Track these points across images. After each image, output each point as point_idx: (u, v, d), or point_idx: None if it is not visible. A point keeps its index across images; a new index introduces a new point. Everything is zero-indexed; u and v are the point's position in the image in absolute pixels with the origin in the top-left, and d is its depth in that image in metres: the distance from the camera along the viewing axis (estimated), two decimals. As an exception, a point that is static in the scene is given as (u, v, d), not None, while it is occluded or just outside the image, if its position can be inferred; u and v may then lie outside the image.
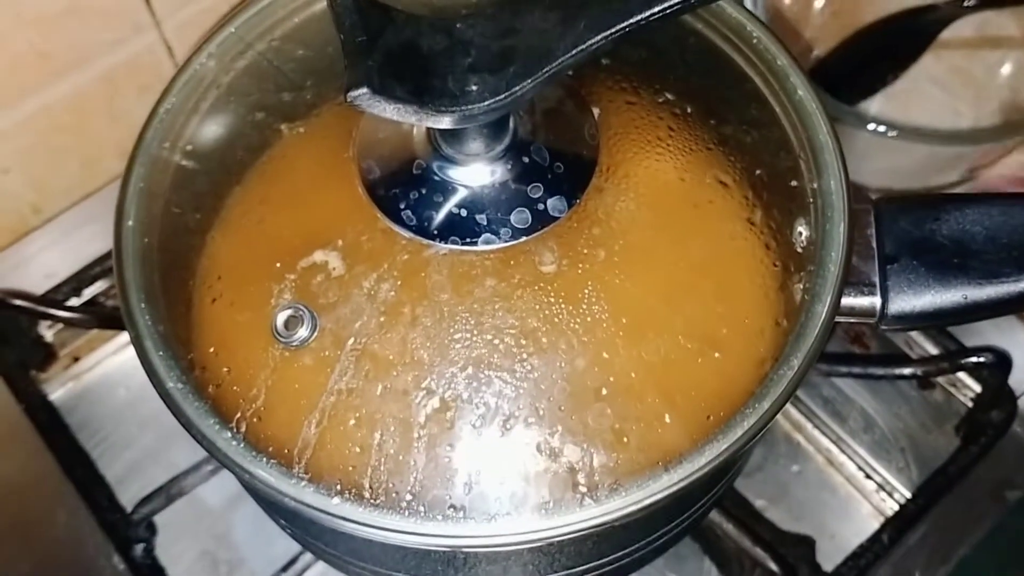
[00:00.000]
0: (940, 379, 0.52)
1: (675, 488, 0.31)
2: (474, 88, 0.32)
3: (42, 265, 0.58)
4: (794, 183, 0.37)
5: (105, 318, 0.56)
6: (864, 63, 0.59)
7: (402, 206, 0.35)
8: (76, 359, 0.62)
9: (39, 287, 0.57)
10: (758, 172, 0.38)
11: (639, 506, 0.31)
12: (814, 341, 0.34)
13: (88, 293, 0.57)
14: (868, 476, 0.57)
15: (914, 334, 0.52)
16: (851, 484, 0.58)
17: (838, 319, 0.37)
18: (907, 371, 0.49)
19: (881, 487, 0.57)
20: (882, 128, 0.53)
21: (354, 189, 0.36)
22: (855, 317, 0.37)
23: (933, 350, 0.51)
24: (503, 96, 0.32)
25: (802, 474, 0.58)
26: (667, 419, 0.33)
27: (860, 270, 0.37)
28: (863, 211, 0.38)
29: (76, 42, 0.54)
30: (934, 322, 0.37)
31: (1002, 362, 0.49)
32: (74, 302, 0.57)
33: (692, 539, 0.52)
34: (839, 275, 0.35)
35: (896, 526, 0.47)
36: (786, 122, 0.39)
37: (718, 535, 0.49)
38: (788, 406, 0.60)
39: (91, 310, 0.57)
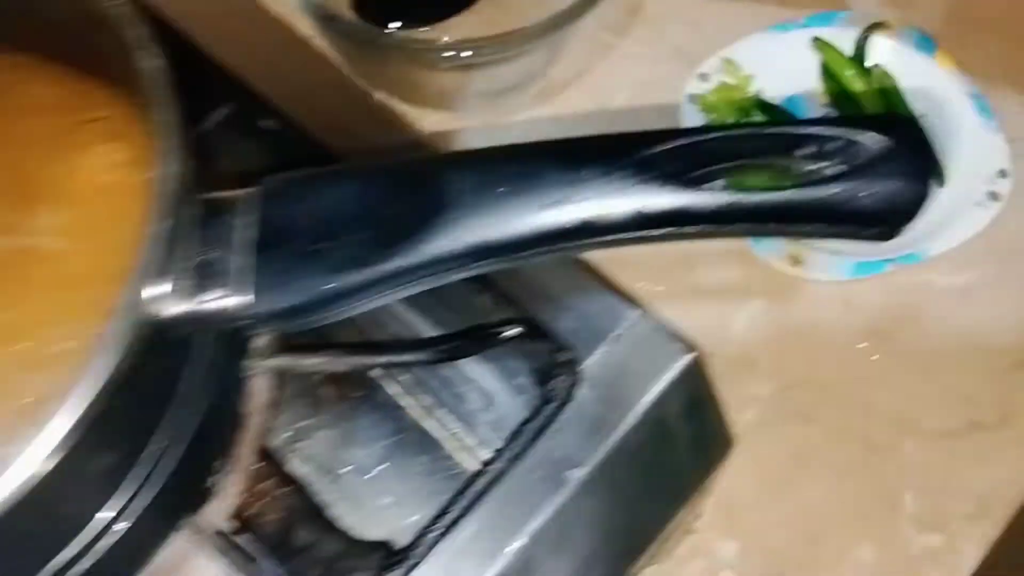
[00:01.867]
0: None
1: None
2: None
3: None
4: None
5: None
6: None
7: None
8: None
9: None
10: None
11: None
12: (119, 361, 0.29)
13: None
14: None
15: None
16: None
17: (207, 326, 0.33)
18: (423, 356, 0.45)
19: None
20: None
21: None
22: (226, 322, 0.33)
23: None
24: None
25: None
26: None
27: (221, 267, 0.33)
28: (227, 200, 0.33)
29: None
30: (306, 318, 0.33)
31: (533, 331, 0.44)
32: None
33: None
34: (139, 283, 0.30)
35: (452, 511, 0.43)
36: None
37: None
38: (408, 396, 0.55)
39: None
